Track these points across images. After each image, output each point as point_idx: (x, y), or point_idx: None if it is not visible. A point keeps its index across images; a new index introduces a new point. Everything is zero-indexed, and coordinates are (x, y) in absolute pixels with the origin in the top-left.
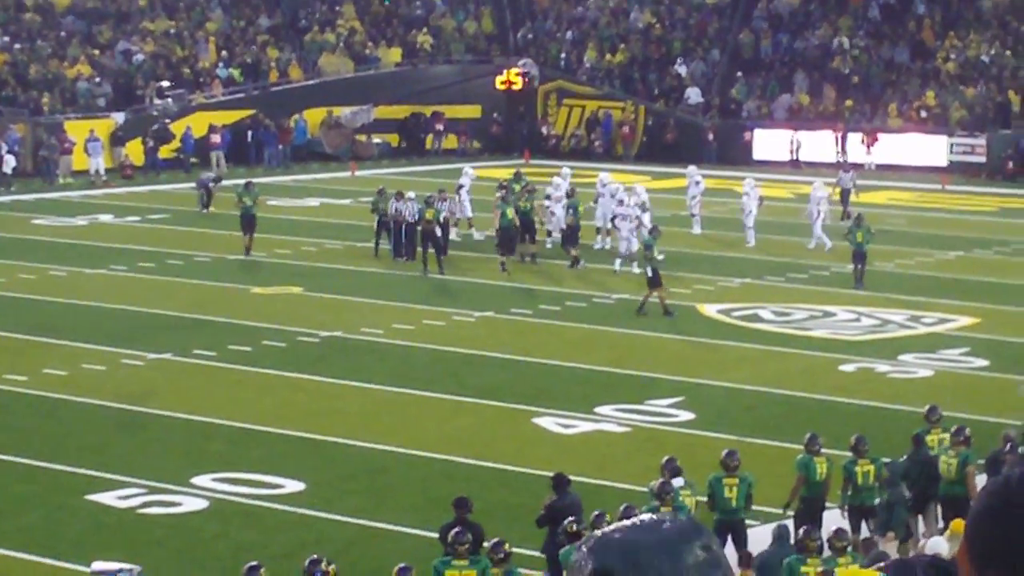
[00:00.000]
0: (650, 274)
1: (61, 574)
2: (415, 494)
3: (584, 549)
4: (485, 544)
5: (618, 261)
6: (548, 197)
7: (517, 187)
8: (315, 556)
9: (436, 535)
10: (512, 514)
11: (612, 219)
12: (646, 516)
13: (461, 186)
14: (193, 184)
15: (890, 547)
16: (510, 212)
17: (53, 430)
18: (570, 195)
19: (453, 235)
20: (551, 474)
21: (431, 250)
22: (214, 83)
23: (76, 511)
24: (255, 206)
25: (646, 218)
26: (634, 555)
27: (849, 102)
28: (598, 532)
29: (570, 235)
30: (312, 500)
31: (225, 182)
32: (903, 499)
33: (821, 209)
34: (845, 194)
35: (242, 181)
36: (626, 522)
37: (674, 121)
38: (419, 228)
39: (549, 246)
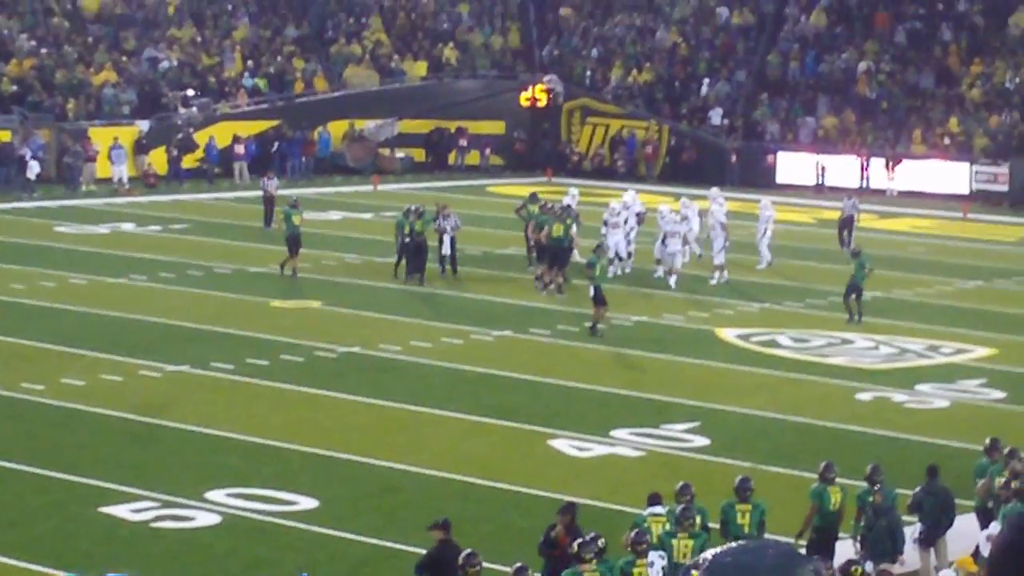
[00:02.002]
0: (592, 293)
1: None
2: (428, 514)
3: (696, 574)
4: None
5: (672, 278)
6: (605, 223)
7: (534, 208)
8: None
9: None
10: (522, 537)
11: (662, 239)
12: (748, 542)
13: (567, 206)
14: (214, 195)
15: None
16: (558, 229)
17: (68, 440)
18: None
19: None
20: (564, 499)
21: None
22: (239, 93)
23: (89, 523)
24: (301, 225)
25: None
26: None
27: (869, 126)
28: (707, 555)
29: (563, 256)
30: (325, 518)
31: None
32: (900, 523)
33: (768, 228)
34: (848, 221)
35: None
36: (731, 546)
37: (695, 142)
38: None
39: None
